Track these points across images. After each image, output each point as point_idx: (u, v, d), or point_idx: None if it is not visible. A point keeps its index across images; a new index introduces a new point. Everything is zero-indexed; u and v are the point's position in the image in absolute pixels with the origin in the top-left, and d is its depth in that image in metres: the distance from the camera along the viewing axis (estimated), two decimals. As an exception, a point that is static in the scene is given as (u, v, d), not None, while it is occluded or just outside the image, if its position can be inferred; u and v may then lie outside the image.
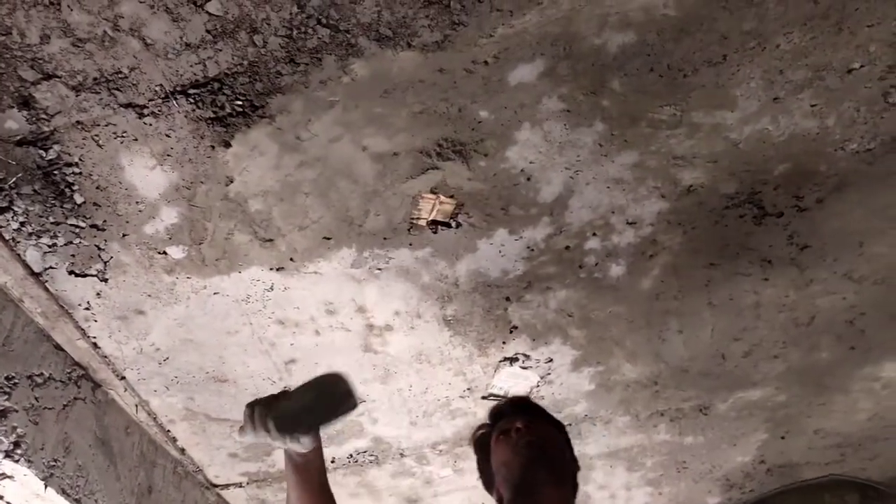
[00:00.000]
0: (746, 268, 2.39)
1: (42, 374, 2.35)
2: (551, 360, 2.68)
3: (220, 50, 1.79)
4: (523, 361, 2.67)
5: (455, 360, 2.64)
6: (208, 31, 1.76)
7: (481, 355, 2.64)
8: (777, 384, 2.85)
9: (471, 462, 2.18)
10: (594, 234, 2.27)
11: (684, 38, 1.82)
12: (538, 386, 2.79)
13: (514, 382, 2.75)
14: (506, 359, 2.66)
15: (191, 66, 1.82)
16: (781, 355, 2.71)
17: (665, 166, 2.10)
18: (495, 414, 2.08)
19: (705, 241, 2.30)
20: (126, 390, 2.62)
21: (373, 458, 3.13)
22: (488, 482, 2.00)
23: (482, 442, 2.05)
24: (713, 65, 1.87)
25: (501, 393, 2.77)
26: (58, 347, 2.43)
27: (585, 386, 2.81)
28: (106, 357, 2.51)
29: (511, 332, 2.56)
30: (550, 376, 2.75)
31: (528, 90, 1.91)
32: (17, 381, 2.20)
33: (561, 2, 1.74)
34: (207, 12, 1.72)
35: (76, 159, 1.97)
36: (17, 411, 2.17)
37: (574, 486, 1.94)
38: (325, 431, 1.70)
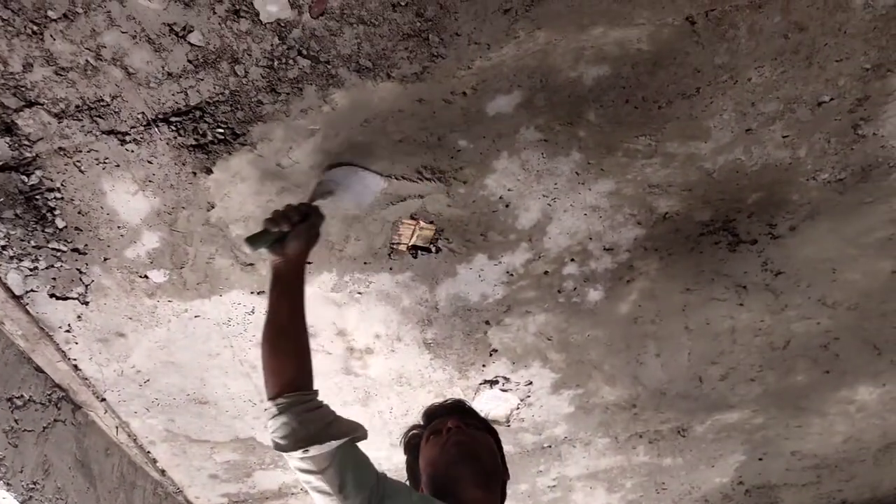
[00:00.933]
0: (722, 293, 2.42)
1: (22, 396, 2.35)
2: (531, 383, 2.70)
3: (202, 79, 1.82)
4: (503, 384, 2.69)
5: (435, 382, 2.66)
6: (190, 61, 1.78)
7: (461, 378, 2.66)
8: (754, 407, 2.89)
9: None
10: (572, 260, 2.30)
11: (658, 72, 1.86)
12: (518, 408, 2.81)
13: (495, 405, 2.77)
14: (486, 381, 2.68)
15: (173, 94, 1.84)
16: (758, 378, 2.75)
17: (641, 194, 2.13)
18: (429, 415, 2.06)
19: (681, 267, 2.33)
20: (106, 412, 2.62)
21: (354, 478, 3.13)
22: (415, 483, 1.97)
23: (412, 443, 2.04)
24: (687, 97, 1.91)
25: (482, 415, 2.78)
26: (38, 370, 2.43)
27: (565, 408, 2.83)
28: (86, 379, 2.51)
29: (491, 355, 2.59)
30: (530, 399, 2.77)
31: (506, 120, 1.95)
32: (-4, 403, 2.21)
33: (537, 36, 1.77)
34: (189, 43, 1.75)
35: (58, 184, 1.99)
36: (-5, 434, 2.17)
37: (503, 496, 1.90)
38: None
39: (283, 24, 1.73)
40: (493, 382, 2.69)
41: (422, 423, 2.07)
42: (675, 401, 2.83)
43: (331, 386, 2.62)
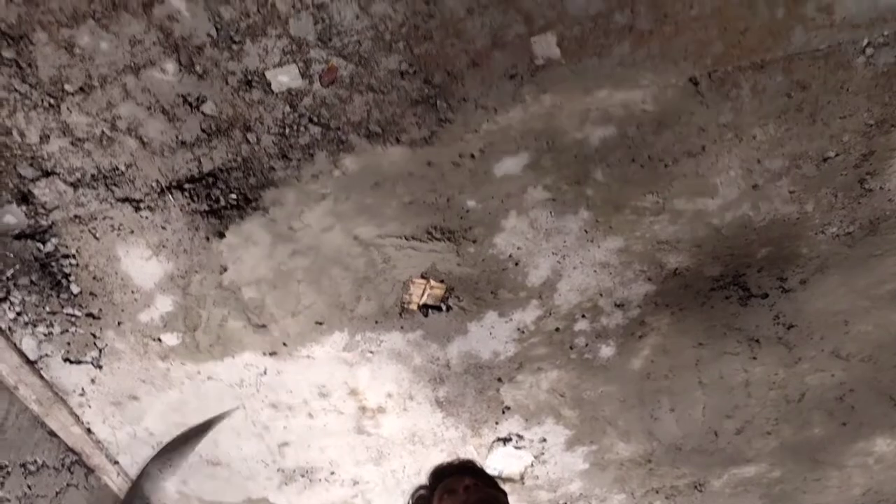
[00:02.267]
0: (735, 347, 2.41)
1: (35, 461, 2.35)
2: (545, 440, 2.68)
3: (215, 147, 1.85)
4: (517, 441, 2.67)
5: (448, 440, 2.64)
6: (203, 130, 1.82)
7: (475, 436, 2.64)
8: (771, 460, 2.85)
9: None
10: (583, 316, 2.30)
11: (663, 131, 1.88)
12: (532, 466, 2.78)
13: (509, 462, 2.74)
14: (499, 439, 2.66)
15: (186, 162, 1.88)
16: (774, 432, 2.71)
17: (650, 251, 2.14)
18: (437, 475, 2.00)
19: (693, 321, 2.33)
20: (119, 475, 2.61)
21: (367, 539, 3.10)
22: None
23: (421, 503, 2.01)
24: (693, 155, 1.93)
25: (496, 473, 2.76)
26: (51, 434, 2.43)
27: (580, 465, 2.80)
28: (100, 442, 2.51)
29: (504, 412, 2.57)
30: (544, 456, 2.74)
31: (514, 181, 1.97)
32: (9, 469, 2.21)
33: (543, 99, 1.80)
34: (203, 113, 1.79)
35: (73, 251, 2.02)
36: (9, 501, 2.16)
37: None
38: None
39: (294, 94, 1.78)
40: (506, 440, 2.66)
41: (428, 483, 2.04)
42: (690, 455, 2.79)
43: (343, 445, 2.60)
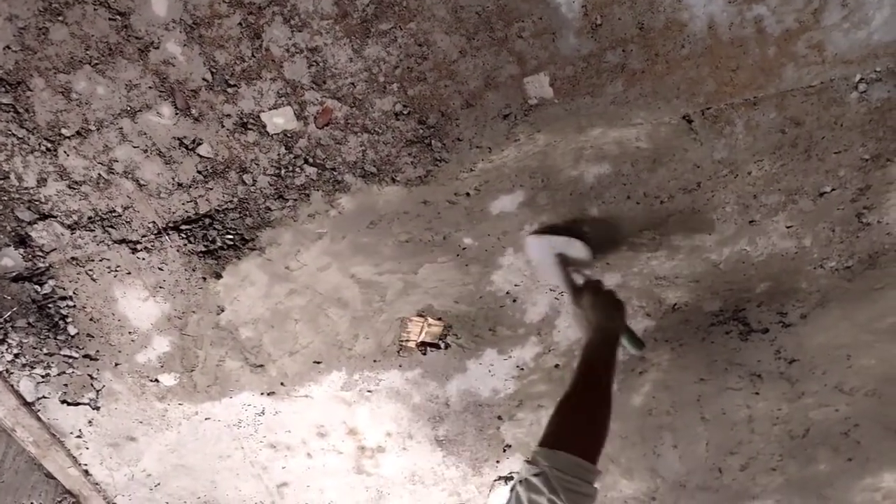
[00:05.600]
0: (737, 382, 2.39)
1: (32, 503, 2.33)
2: (546, 478, 2.65)
3: (211, 189, 1.86)
4: (518, 480, 2.64)
5: (449, 480, 2.61)
6: (199, 172, 1.83)
7: (475, 475, 2.61)
8: (777, 497, 2.81)
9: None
10: (583, 353, 2.29)
11: (658, 168, 1.88)
12: (534, 504, 2.74)
13: (510, 501, 2.71)
14: (501, 478, 2.63)
15: (183, 203, 1.88)
16: (779, 468, 2.68)
17: (648, 286, 2.14)
18: None
19: (694, 357, 2.31)
20: (116, 517, 2.59)
21: (369, 579, 3.05)
22: None
23: None
24: (688, 191, 1.93)
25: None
26: (49, 476, 2.42)
27: None
28: (97, 484, 2.49)
29: (505, 450, 2.55)
30: (546, 494, 2.70)
31: (510, 218, 1.97)
32: (5, 513, 2.19)
33: (537, 138, 1.81)
34: (198, 155, 1.80)
35: (70, 293, 2.02)
36: (4, 545, 2.15)
37: None
38: None
39: (289, 135, 1.79)
40: (508, 478, 2.63)
41: None
42: (695, 493, 2.75)
43: (342, 486, 2.58)
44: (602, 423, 1.57)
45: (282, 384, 2.28)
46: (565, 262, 1.98)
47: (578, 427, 1.54)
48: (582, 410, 1.58)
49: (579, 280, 1.99)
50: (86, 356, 2.15)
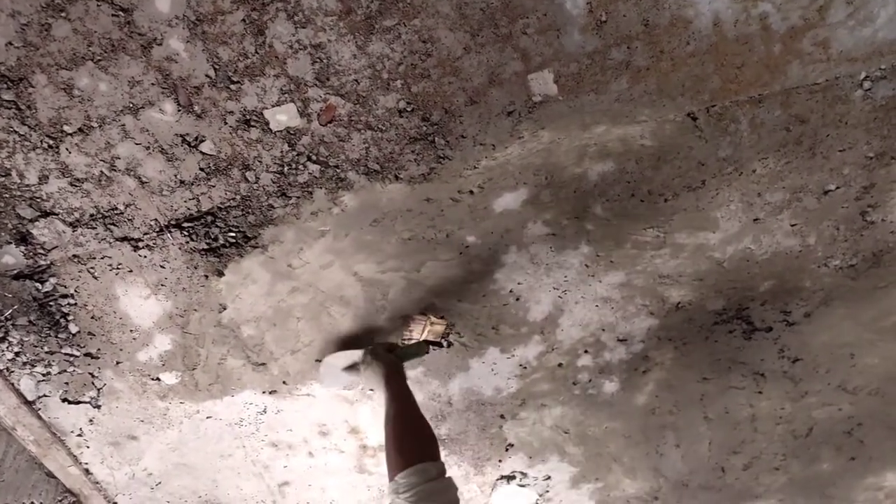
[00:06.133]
0: (740, 381, 2.38)
1: (33, 502, 2.32)
2: (549, 478, 2.64)
3: (214, 186, 1.85)
4: (521, 479, 2.63)
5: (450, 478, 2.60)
6: (202, 169, 1.82)
7: (478, 474, 2.60)
8: (780, 496, 2.80)
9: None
10: (586, 352, 2.28)
11: (663, 166, 1.88)
12: None
13: (513, 501, 2.70)
14: (503, 477, 2.62)
15: (185, 201, 1.87)
16: (782, 467, 2.67)
17: (652, 285, 2.13)
18: None
19: (697, 356, 2.30)
20: (117, 516, 2.58)
21: (370, 579, 3.05)
22: None
23: None
24: (692, 189, 1.92)
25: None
26: (49, 475, 2.41)
27: (585, 502, 2.76)
28: (98, 483, 2.48)
29: (507, 449, 2.54)
30: (549, 494, 2.70)
31: (513, 216, 1.96)
32: (6, 511, 2.18)
33: (541, 135, 1.80)
34: (201, 152, 1.79)
35: (72, 291, 2.01)
36: (5, 544, 2.14)
37: None
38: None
39: (292, 132, 1.78)
40: (510, 478, 2.62)
41: None
42: (697, 492, 2.74)
43: (344, 485, 2.57)
44: (421, 429, 1.74)
45: (284, 383, 2.27)
46: (349, 368, 2.16)
47: (401, 447, 1.66)
48: (401, 435, 1.69)
49: (355, 374, 2.15)
50: (87, 354, 2.14)
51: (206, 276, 2.01)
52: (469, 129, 1.79)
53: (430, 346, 2.23)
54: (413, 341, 2.17)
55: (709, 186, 1.92)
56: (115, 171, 1.81)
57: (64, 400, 2.24)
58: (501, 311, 2.17)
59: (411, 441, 1.68)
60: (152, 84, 1.71)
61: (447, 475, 1.59)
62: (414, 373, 2.29)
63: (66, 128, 1.75)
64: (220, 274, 2.01)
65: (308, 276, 2.05)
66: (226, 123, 1.76)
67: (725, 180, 1.91)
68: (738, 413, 2.48)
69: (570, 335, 2.24)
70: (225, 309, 2.09)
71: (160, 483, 2.51)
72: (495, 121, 1.78)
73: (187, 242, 1.95)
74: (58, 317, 2.06)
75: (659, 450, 2.58)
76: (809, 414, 2.49)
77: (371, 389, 2.23)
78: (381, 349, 2.03)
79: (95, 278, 1.99)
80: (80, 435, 2.33)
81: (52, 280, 1.98)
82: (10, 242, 1.91)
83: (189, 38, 1.66)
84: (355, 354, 2.12)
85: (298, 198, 1.89)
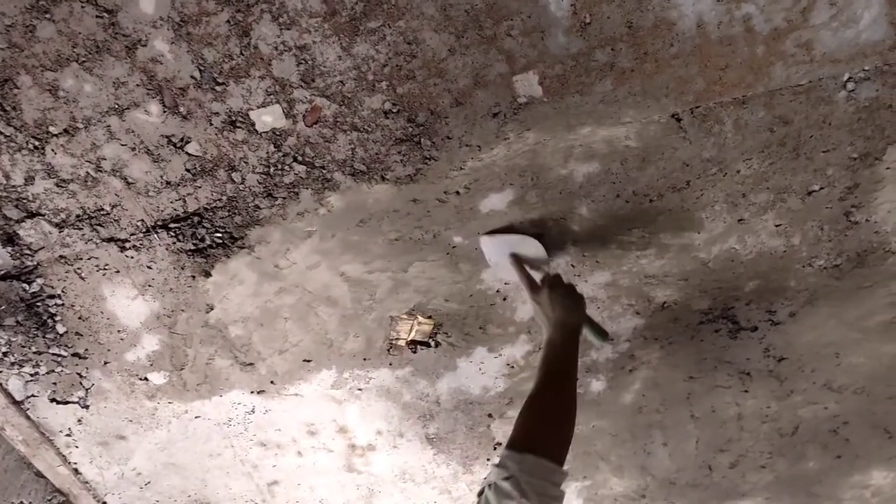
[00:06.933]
0: (726, 380, 2.40)
1: (22, 502, 2.32)
2: (537, 476, 2.65)
3: (200, 187, 1.85)
4: (508, 477, 2.64)
5: (439, 478, 2.61)
6: (188, 170, 1.83)
7: (466, 472, 2.61)
8: (766, 494, 2.82)
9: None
10: (573, 351, 2.29)
11: (647, 167, 1.89)
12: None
13: (501, 499, 2.71)
14: (491, 475, 2.63)
15: (171, 202, 1.88)
16: (768, 465, 2.69)
17: (638, 285, 2.14)
18: None
19: (683, 355, 2.32)
20: (106, 516, 2.58)
21: (360, 577, 3.06)
22: None
23: None
24: (677, 190, 1.93)
25: (488, 509, 2.72)
26: (38, 475, 2.41)
27: (573, 501, 2.77)
28: (87, 483, 2.48)
29: (495, 448, 2.55)
30: (537, 492, 2.71)
31: (500, 216, 1.97)
32: (-6, 512, 2.19)
33: (526, 136, 1.81)
34: (187, 153, 1.80)
35: (59, 291, 2.01)
36: (-7, 544, 2.14)
37: None
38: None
39: (278, 133, 1.78)
40: (498, 476, 2.63)
41: None
42: (685, 490, 2.76)
43: (333, 484, 2.57)
44: (569, 423, 1.56)
45: (272, 382, 2.27)
46: (521, 260, 1.98)
47: (546, 429, 1.52)
48: (548, 411, 1.56)
49: (537, 277, 1.96)
50: (75, 355, 2.15)
51: (194, 277, 2.02)
52: (455, 131, 1.80)
53: (418, 346, 2.25)
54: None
55: (693, 187, 1.93)
56: (101, 171, 1.81)
57: (52, 400, 2.24)
58: (489, 310, 2.18)
59: (566, 430, 1.54)
60: (137, 85, 1.71)
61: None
62: (402, 372, 2.30)
63: (51, 129, 1.75)
64: (208, 274, 2.02)
65: (295, 277, 2.05)
66: (211, 124, 1.77)
67: (710, 181, 1.92)
68: (725, 412, 2.50)
69: (557, 335, 2.25)
70: (212, 309, 2.09)
71: (149, 483, 2.52)
72: (481, 122, 1.79)
73: (174, 243, 1.95)
74: (45, 317, 2.06)
75: (646, 448, 2.59)
76: (795, 412, 2.51)
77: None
78: (577, 293, 1.87)
79: (82, 279, 1.99)
80: (68, 435, 2.34)
81: (40, 281, 1.98)
82: (-3, 243, 1.91)
83: (174, 39, 1.66)
84: (541, 253, 1.98)
85: (285, 198, 1.90)
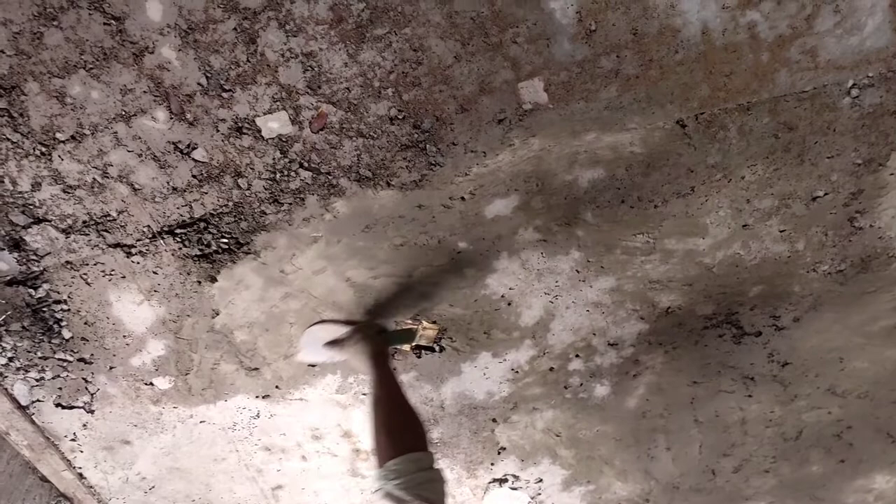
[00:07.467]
0: (730, 385, 2.40)
1: (26, 507, 2.33)
2: (541, 481, 2.65)
3: (206, 193, 1.86)
4: (513, 482, 2.65)
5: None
6: (194, 176, 1.83)
7: (470, 477, 2.61)
8: (770, 498, 2.82)
9: None
10: (577, 356, 2.30)
11: (652, 173, 1.89)
12: (529, 506, 2.75)
13: (505, 503, 2.71)
14: (495, 480, 2.64)
15: (177, 207, 1.88)
16: (772, 470, 2.69)
17: (642, 290, 2.14)
18: None
19: (687, 360, 2.32)
20: (111, 520, 2.59)
21: (364, 581, 3.06)
22: None
23: None
24: (682, 196, 1.94)
25: (492, 514, 2.73)
26: (43, 479, 2.41)
27: (577, 504, 2.78)
28: (91, 487, 2.49)
29: (499, 453, 2.55)
30: (541, 496, 2.71)
31: (505, 222, 1.98)
32: (0, 516, 2.19)
33: (532, 142, 1.82)
34: (193, 159, 1.80)
35: (65, 297, 2.02)
36: (-1, 548, 2.15)
37: None
38: None
39: (284, 139, 1.79)
40: (502, 481, 2.64)
41: None
42: (688, 495, 2.76)
43: (337, 488, 2.58)
44: (410, 418, 1.72)
45: (277, 387, 2.28)
46: (333, 342, 2.06)
47: (389, 436, 1.65)
48: (387, 423, 1.69)
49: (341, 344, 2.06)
50: (80, 360, 2.15)
51: (199, 282, 2.02)
52: (460, 137, 1.80)
53: (423, 351, 2.25)
54: (402, 328, 2.16)
55: (698, 193, 1.94)
56: (107, 178, 1.82)
57: (57, 405, 2.25)
58: (493, 315, 2.19)
59: (402, 427, 1.68)
60: (144, 92, 1.72)
61: (437, 466, 1.59)
62: (407, 377, 2.30)
63: (58, 135, 1.75)
64: (213, 280, 2.02)
65: (300, 282, 2.06)
66: (218, 131, 1.77)
67: (714, 187, 1.93)
68: (728, 416, 2.50)
69: (561, 340, 2.26)
70: (218, 314, 2.10)
71: (154, 487, 2.52)
72: (486, 128, 1.79)
73: (180, 248, 1.96)
74: (51, 322, 2.06)
75: (650, 452, 2.59)
76: (799, 417, 2.51)
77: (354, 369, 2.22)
78: (371, 329, 2.01)
79: (88, 284, 2.00)
80: (73, 439, 2.34)
81: (46, 286, 1.99)
82: (4, 249, 1.92)
83: (181, 46, 1.67)
84: (341, 329, 2.09)
85: (290, 204, 1.90)
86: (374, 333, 2.00)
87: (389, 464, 1.53)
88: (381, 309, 2.14)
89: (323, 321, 2.13)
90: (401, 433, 1.65)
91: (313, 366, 2.24)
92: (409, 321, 2.18)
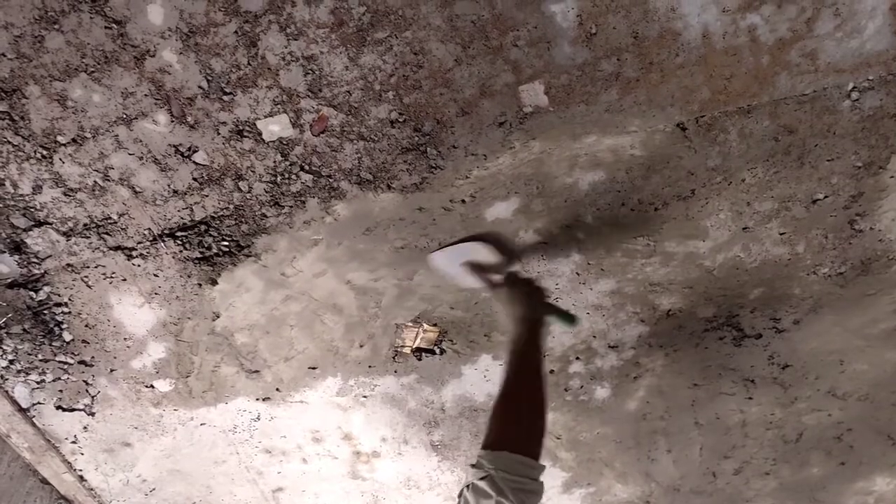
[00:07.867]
0: (730, 387, 2.40)
1: (27, 509, 2.33)
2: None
3: (207, 195, 1.86)
4: (513, 484, 2.64)
5: (444, 485, 2.61)
6: (195, 179, 1.83)
7: (470, 479, 2.61)
8: (770, 501, 2.82)
9: None
10: (577, 358, 2.30)
11: (652, 176, 1.89)
12: (529, 508, 2.75)
13: (505, 505, 2.71)
14: (495, 482, 2.63)
15: (178, 210, 1.89)
16: (773, 472, 2.69)
17: (643, 292, 2.14)
18: None
19: (687, 362, 2.32)
20: (111, 522, 2.59)
21: (364, 584, 3.06)
22: None
23: None
24: (682, 198, 1.94)
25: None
26: (44, 482, 2.41)
27: (577, 507, 2.78)
28: (92, 490, 2.49)
29: (499, 455, 2.55)
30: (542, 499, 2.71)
31: (505, 225, 1.98)
32: (0, 519, 2.19)
33: (532, 145, 1.82)
34: (194, 162, 1.80)
35: (65, 299, 2.02)
36: (-1, 551, 2.15)
37: None
38: None
39: (285, 142, 1.79)
40: (502, 483, 2.64)
41: None
42: (689, 497, 2.76)
43: (338, 491, 2.58)
44: (540, 417, 1.59)
45: (277, 390, 2.28)
46: (476, 266, 1.98)
47: (517, 425, 1.54)
48: (518, 408, 1.58)
49: (497, 278, 1.96)
50: (81, 362, 2.15)
51: (200, 285, 2.03)
52: (461, 140, 1.80)
53: (423, 353, 2.25)
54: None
55: (698, 196, 1.94)
56: (108, 181, 1.82)
57: (58, 407, 2.25)
58: (493, 318, 2.19)
59: (534, 417, 1.57)
60: (145, 95, 1.72)
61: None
62: (407, 379, 2.31)
63: (59, 138, 1.76)
64: (214, 282, 2.02)
65: (301, 285, 2.06)
66: (219, 134, 1.77)
67: (715, 190, 1.93)
68: (729, 419, 2.50)
69: (561, 342, 2.26)
70: (218, 317, 2.10)
71: (154, 489, 2.52)
72: (486, 131, 1.79)
73: (181, 251, 1.96)
74: (52, 325, 2.06)
75: (650, 455, 2.59)
76: (799, 419, 2.51)
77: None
78: (528, 286, 1.86)
79: (89, 287, 2.00)
80: (74, 442, 2.34)
81: (46, 289, 1.99)
82: (4, 252, 1.92)
83: (182, 49, 1.67)
84: (495, 258, 1.97)
85: (291, 207, 1.90)
86: (536, 298, 1.85)
87: (514, 455, 1.43)
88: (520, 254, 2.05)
89: (483, 239, 1.98)
90: (530, 426, 1.54)
91: (441, 275, 2.08)
92: (410, 323, 2.18)
